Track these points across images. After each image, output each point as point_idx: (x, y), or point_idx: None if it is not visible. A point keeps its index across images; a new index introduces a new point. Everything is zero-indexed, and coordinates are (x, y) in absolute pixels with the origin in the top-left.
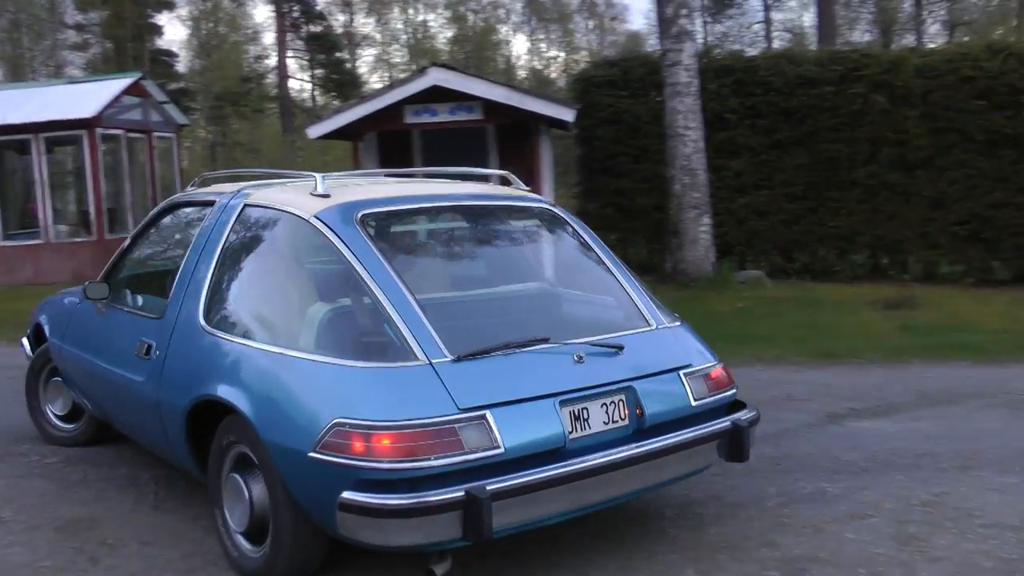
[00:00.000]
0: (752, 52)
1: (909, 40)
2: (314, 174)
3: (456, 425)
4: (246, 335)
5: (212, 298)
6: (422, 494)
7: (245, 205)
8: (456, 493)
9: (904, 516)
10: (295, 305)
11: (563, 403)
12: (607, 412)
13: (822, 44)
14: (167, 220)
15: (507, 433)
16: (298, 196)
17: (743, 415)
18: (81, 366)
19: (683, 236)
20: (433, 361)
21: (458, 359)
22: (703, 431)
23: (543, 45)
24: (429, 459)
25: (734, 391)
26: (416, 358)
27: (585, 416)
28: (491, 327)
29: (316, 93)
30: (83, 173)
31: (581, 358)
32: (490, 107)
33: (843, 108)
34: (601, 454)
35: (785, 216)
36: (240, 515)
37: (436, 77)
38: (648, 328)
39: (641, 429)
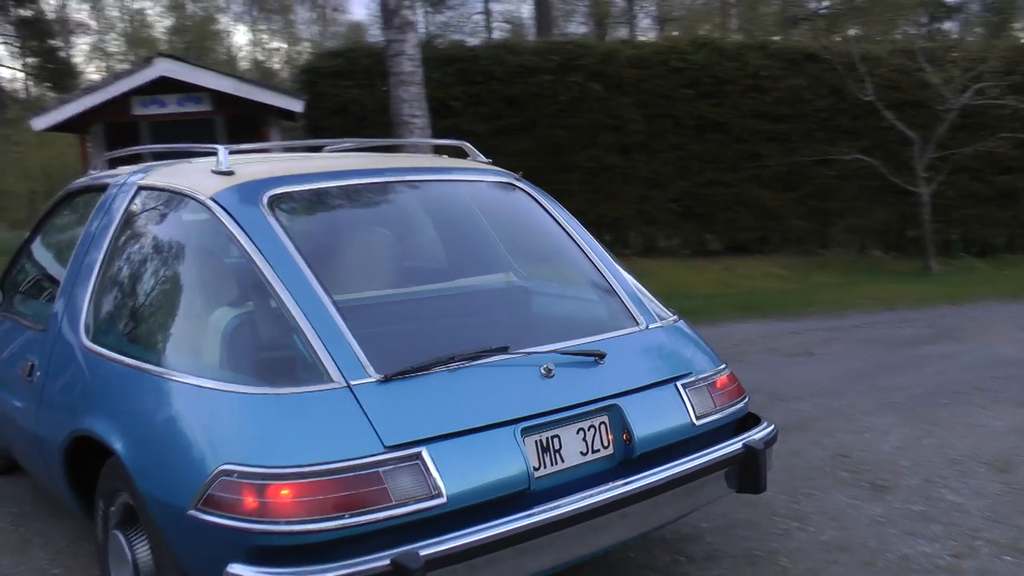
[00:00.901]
0: (473, 42)
1: (623, 33)
2: (218, 147)
3: (381, 469)
4: (130, 353)
5: (96, 306)
6: (332, 567)
7: (139, 188)
8: (379, 563)
9: None
10: (188, 314)
11: (526, 431)
12: (585, 439)
13: (540, 35)
14: (65, 211)
15: (450, 476)
16: (197, 174)
17: (758, 433)
18: None
19: None
20: (352, 383)
21: (386, 379)
22: (709, 458)
23: (265, 36)
24: (343, 517)
25: (745, 403)
26: (329, 379)
27: (556, 446)
28: (434, 335)
29: (29, 83)
30: None
31: (550, 371)
32: (219, 98)
33: (562, 96)
34: (578, 497)
35: None
36: None
37: (163, 68)
38: (636, 328)
39: (629, 459)
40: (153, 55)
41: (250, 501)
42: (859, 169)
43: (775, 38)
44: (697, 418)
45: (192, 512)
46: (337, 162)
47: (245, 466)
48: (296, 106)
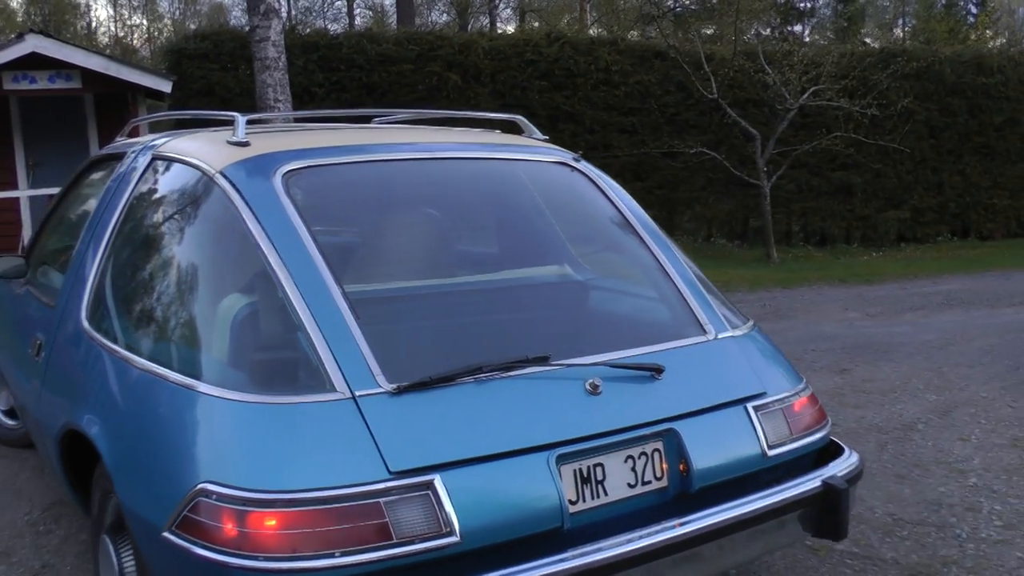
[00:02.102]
0: (335, 27)
1: (484, 22)
2: (236, 115)
3: (384, 499)
4: (120, 341)
5: (99, 286)
6: None
7: (153, 158)
8: None
9: None
10: (183, 302)
11: (562, 458)
12: (634, 469)
13: (401, 23)
14: (87, 179)
15: (466, 510)
16: (211, 145)
17: (840, 468)
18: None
19: None
20: (358, 394)
21: (399, 391)
22: (782, 497)
23: (125, 12)
24: (334, 555)
25: (825, 432)
26: (331, 388)
27: (598, 476)
28: (464, 338)
29: None
30: None
31: (597, 388)
32: (89, 76)
33: (421, 84)
34: (623, 539)
35: None
36: None
37: (34, 44)
38: (703, 337)
39: (687, 493)
40: (25, 31)
41: (229, 529)
42: (705, 162)
43: (632, 33)
44: (769, 447)
45: (166, 534)
46: (373, 136)
47: (226, 487)
48: (165, 87)
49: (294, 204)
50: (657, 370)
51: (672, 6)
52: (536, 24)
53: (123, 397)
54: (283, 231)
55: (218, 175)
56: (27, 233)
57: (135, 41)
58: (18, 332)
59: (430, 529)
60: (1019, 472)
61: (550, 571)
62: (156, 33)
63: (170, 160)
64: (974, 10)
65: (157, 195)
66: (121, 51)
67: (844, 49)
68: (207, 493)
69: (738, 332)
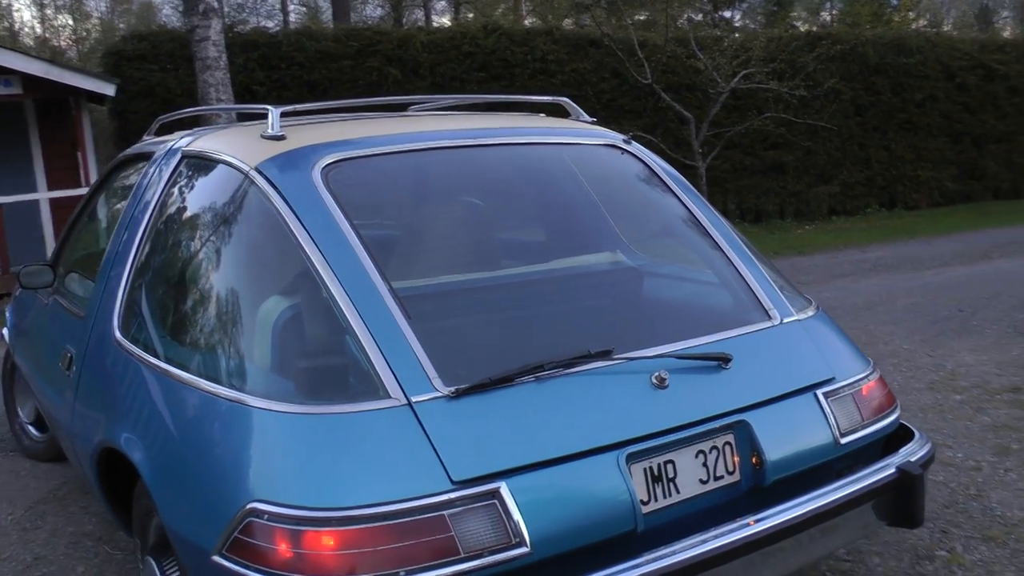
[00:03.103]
0: (270, 24)
1: (419, 16)
2: (269, 108)
3: (448, 512)
4: (157, 352)
5: (132, 295)
6: None
7: (183, 156)
8: None
9: None
10: (223, 309)
11: (632, 457)
12: (705, 464)
13: (337, 18)
14: (115, 181)
15: (536, 519)
16: (244, 140)
17: (913, 452)
18: (25, 372)
19: None
20: (414, 400)
21: (457, 394)
22: (858, 487)
23: (50, 12)
24: (398, 573)
25: (896, 416)
26: (386, 395)
27: (669, 474)
28: (520, 334)
29: None
30: None
31: (663, 381)
32: (29, 81)
33: (362, 80)
34: (698, 539)
35: None
36: None
37: None
38: (768, 323)
39: (760, 486)
40: None
41: (284, 550)
42: (642, 145)
43: (566, 22)
44: (842, 435)
45: (216, 558)
46: (412, 124)
47: (278, 505)
48: (108, 90)
49: (335, 199)
50: (724, 359)
51: None
52: (471, 16)
53: (162, 412)
54: (325, 228)
55: (253, 171)
56: None
57: (62, 42)
58: (46, 344)
59: (499, 541)
60: (934, 410)
61: (657, 569)
62: (84, 34)
63: (201, 159)
64: None
65: (189, 196)
66: (50, 53)
67: (772, 33)
68: (258, 513)
69: (803, 316)
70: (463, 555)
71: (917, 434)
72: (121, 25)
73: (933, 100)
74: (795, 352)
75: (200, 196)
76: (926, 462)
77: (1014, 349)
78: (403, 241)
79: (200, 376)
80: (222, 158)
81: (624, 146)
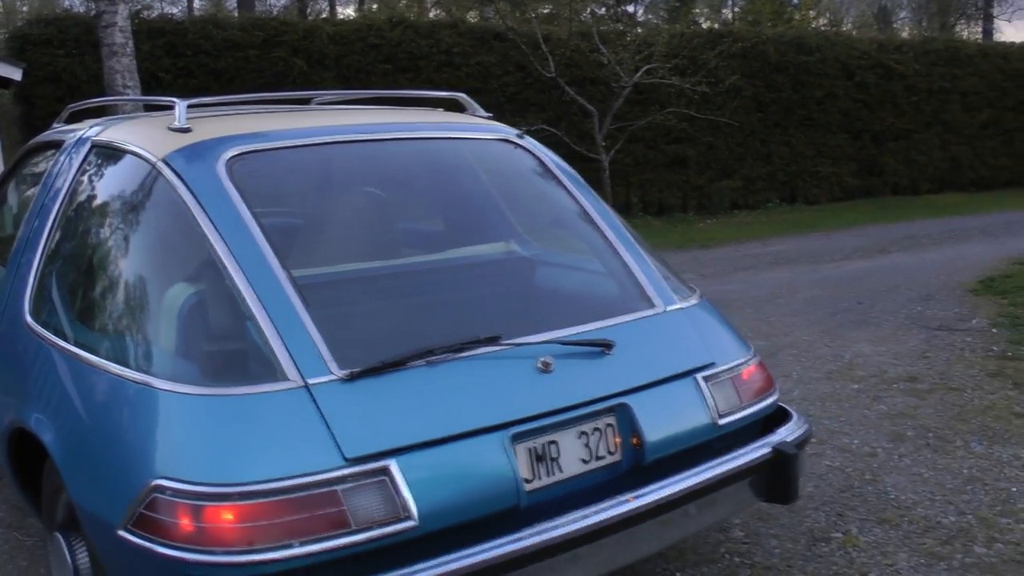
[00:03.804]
0: (175, 12)
1: (324, 5)
2: (176, 100)
3: (340, 487)
4: (67, 336)
5: (42, 280)
6: None
7: (93, 145)
8: None
9: None
10: (129, 295)
11: (517, 437)
12: (587, 445)
13: (242, 8)
14: (24, 169)
15: (423, 494)
16: (152, 131)
17: (788, 433)
18: None
19: None
20: (310, 382)
21: (351, 377)
22: (732, 465)
23: None
24: (291, 546)
25: (774, 398)
26: (284, 377)
27: (552, 454)
28: (414, 320)
29: None
30: None
31: (548, 366)
32: None
33: (268, 70)
34: (579, 515)
35: None
36: None
37: None
38: (652, 311)
39: (640, 466)
40: None
41: (185, 524)
42: (546, 138)
43: (471, 14)
44: (720, 416)
45: (122, 532)
46: (315, 118)
47: (181, 482)
48: (16, 74)
49: (239, 190)
50: (607, 345)
51: None
52: (375, 7)
53: (71, 394)
54: (228, 218)
55: (160, 163)
56: None
57: None
58: None
59: (388, 514)
60: (831, 399)
61: (507, 550)
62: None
63: (110, 148)
64: None
65: (99, 184)
66: None
67: (675, 30)
68: (161, 489)
69: (686, 304)
70: (354, 528)
71: (794, 415)
72: (24, 8)
73: (833, 98)
74: (676, 338)
75: (109, 185)
76: (801, 442)
77: (910, 340)
78: (304, 231)
79: (108, 359)
80: (131, 148)
81: (517, 140)
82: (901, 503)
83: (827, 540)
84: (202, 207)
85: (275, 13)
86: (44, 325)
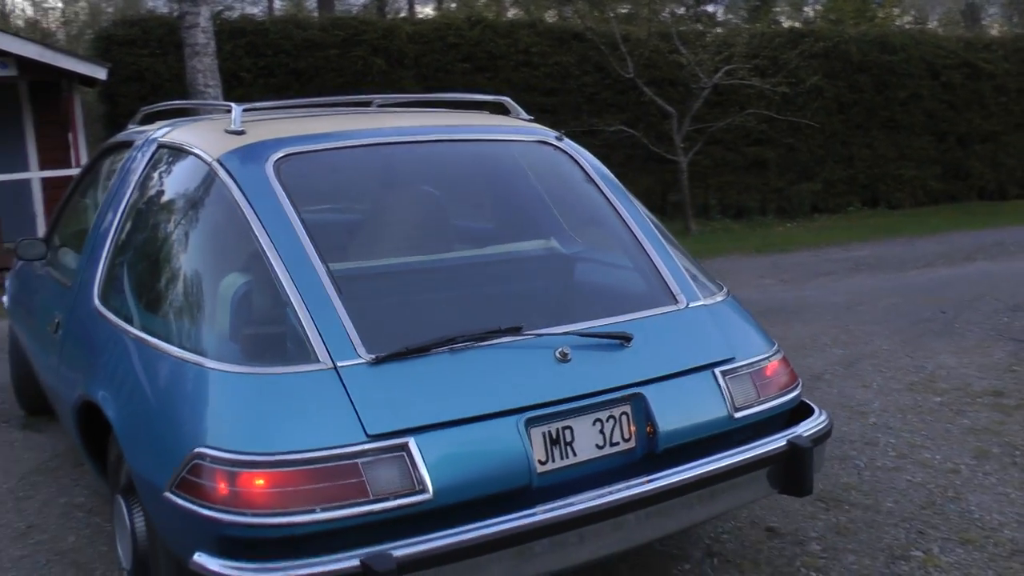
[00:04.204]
0: (254, 10)
1: (402, 3)
2: (232, 105)
3: (360, 460)
4: (129, 318)
5: (111, 268)
6: (298, 565)
7: (160, 146)
8: (348, 563)
9: None
10: (184, 283)
11: (531, 422)
12: (602, 431)
13: (321, 7)
14: (100, 166)
15: (439, 470)
16: (210, 134)
17: (806, 428)
18: (20, 336)
19: None
20: (339, 365)
21: (378, 361)
22: (745, 456)
23: None
24: (314, 511)
25: (796, 393)
26: (316, 359)
27: (567, 438)
28: (443, 311)
29: None
30: None
31: (566, 356)
32: (24, 64)
33: (347, 69)
34: (589, 495)
35: None
36: (125, 549)
37: None
38: (675, 307)
39: (653, 453)
40: None
41: (222, 488)
42: (624, 139)
43: (549, 14)
44: (736, 410)
45: (167, 494)
46: (362, 121)
47: (219, 450)
48: (100, 74)
49: (284, 189)
50: (626, 338)
51: None
52: (454, 6)
53: (131, 370)
54: (273, 215)
55: (215, 163)
56: None
57: (51, 24)
58: (39, 310)
59: (404, 487)
60: (912, 411)
61: (519, 524)
62: (72, 16)
63: (174, 148)
64: None
65: (163, 182)
66: (40, 35)
67: (755, 29)
68: (202, 456)
69: (710, 300)
70: (372, 497)
71: (816, 411)
72: (108, 8)
73: (917, 98)
74: (697, 333)
75: (172, 182)
76: (819, 437)
77: (996, 352)
78: (346, 227)
79: (166, 341)
80: (191, 149)
81: (555, 143)
82: (986, 523)
83: (907, 558)
84: (250, 204)
85: (354, 12)
86: (111, 309)
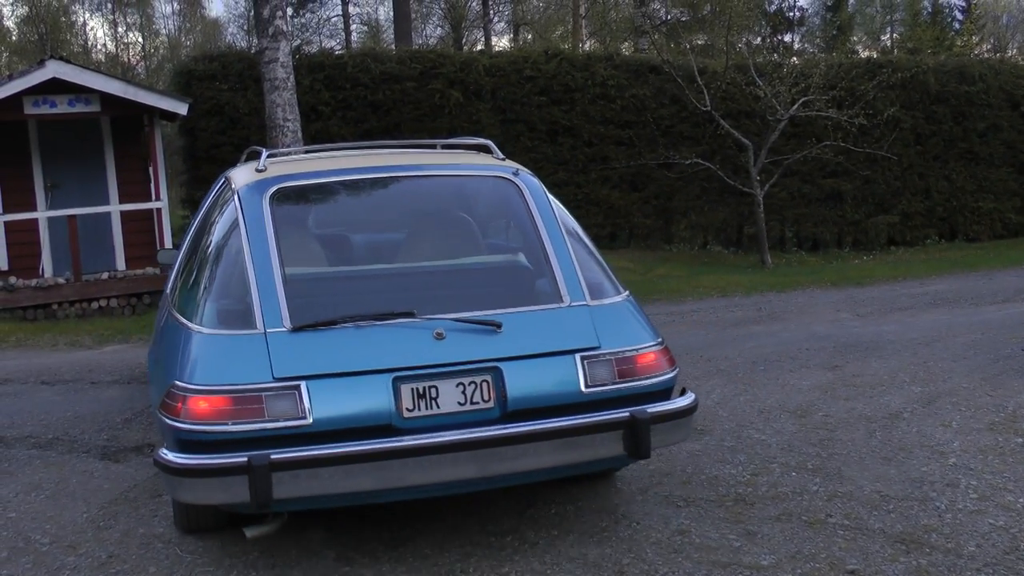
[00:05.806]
0: (332, 44)
1: (477, 34)
2: (262, 150)
3: (264, 393)
4: (176, 304)
5: (177, 269)
6: (205, 457)
7: (224, 179)
8: (237, 459)
9: None
10: (201, 277)
11: (400, 379)
12: (464, 393)
13: (398, 39)
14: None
15: (320, 405)
16: (247, 171)
17: (651, 406)
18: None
19: None
20: (268, 331)
21: (295, 330)
22: (583, 420)
23: (121, 28)
24: (227, 424)
25: (660, 379)
26: (255, 327)
27: (432, 395)
28: (363, 303)
29: None
30: None
31: (441, 335)
32: (107, 100)
33: (424, 102)
34: (434, 434)
35: None
36: None
37: (55, 69)
38: (557, 305)
39: (506, 412)
40: (45, 57)
41: (179, 407)
42: (699, 172)
43: (625, 46)
44: (587, 386)
45: (154, 410)
46: (355, 160)
47: (183, 383)
48: (181, 109)
49: (272, 215)
50: (496, 325)
51: (663, 18)
52: (529, 36)
53: (162, 335)
54: (258, 232)
55: (236, 193)
56: (46, 254)
57: (131, 59)
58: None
59: (290, 414)
60: (994, 452)
61: (383, 446)
62: (152, 50)
63: (227, 181)
64: (960, 17)
65: (215, 208)
66: (120, 70)
67: (832, 60)
68: (174, 387)
69: (599, 302)
70: (267, 418)
71: (676, 397)
72: (187, 42)
73: (996, 129)
74: (569, 326)
75: (216, 206)
76: (661, 416)
77: None
78: (310, 241)
79: (180, 314)
80: (231, 182)
81: (511, 177)
82: None
83: None
84: (246, 223)
85: (431, 45)
86: (171, 299)
